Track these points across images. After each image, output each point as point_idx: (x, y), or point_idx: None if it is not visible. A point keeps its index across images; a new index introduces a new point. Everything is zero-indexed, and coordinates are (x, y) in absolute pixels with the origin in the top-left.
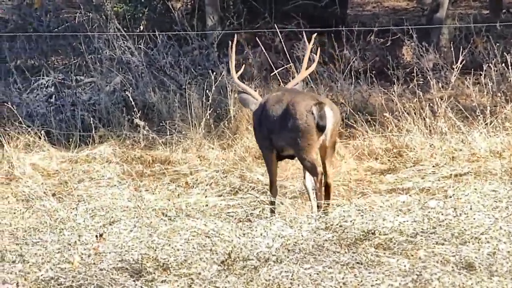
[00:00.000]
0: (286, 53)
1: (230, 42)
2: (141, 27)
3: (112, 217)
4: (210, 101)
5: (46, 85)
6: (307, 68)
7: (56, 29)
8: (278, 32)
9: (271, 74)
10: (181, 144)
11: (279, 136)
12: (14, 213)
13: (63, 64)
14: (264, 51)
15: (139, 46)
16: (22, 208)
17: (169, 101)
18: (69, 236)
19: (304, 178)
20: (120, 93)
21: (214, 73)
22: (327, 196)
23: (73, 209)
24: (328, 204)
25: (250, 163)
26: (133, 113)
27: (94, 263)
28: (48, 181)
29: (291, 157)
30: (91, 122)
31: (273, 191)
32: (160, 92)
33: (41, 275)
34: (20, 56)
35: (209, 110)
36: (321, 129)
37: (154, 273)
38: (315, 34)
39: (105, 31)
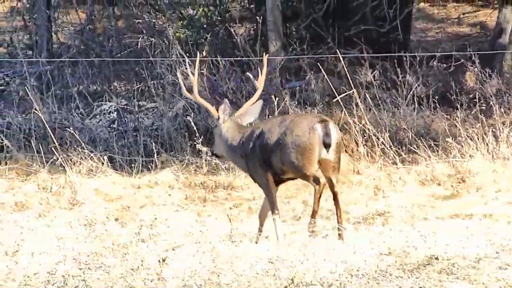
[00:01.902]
0: (349, 78)
1: (193, 65)
2: (204, 53)
3: (175, 242)
4: None
5: (108, 110)
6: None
7: (118, 54)
8: (341, 58)
9: (334, 100)
10: None
11: (279, 156)
12: (77, 237)
13: (126, 90)
14: (326, 76)
15: (202, 71)
16: (85, 233)
17: None
18: (132, 261)
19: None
20: (182, 118)
21: (277, 98)
22: (337, 204)
23: (136, 234)
24: (340, 213)
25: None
26: (195, 138)
27: None
28: (111, 206)
29: (292, 179)
30: (154, 147)
31: (277, 212)
32: None
33: None
34: (82, 81)
35: None
36: (326, 146)
37: None
38: (267, 55)
39: (167, 56)
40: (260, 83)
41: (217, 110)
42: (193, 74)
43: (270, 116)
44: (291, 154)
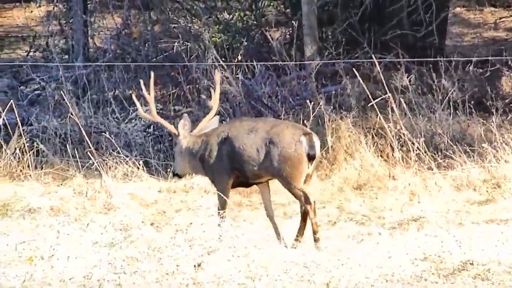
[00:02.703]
0: (384, 83)
1: (145, 80)
2: (239, 57)
3: (210, 246)
4: None
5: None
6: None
7: (154, 59)
8: (376, 62)
9: (369, 105)
10: None
11: (258, 165)
12: (112, 242)
13: (161, 94)
14: (362, 81)
15: (237, 76)
16: (120, 237)
17: None
18: (168, 266)
19: (266, 209)
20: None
21: (312, 103)
22: (305, 219)
23: (171, 238)
24: (304, 226)
25: (348, 193)
26: None
27: None
28: (146, 210)
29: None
30: None
31: (224, 214)
32: None
33: None
34: (118, 86)
35: None
36: (311, 158)
37: None
38: (220, 74)
39: (203, 61)
40: (214, 100)
41: (176, 128)
42: (148, 93)
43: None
44: (279, 165)
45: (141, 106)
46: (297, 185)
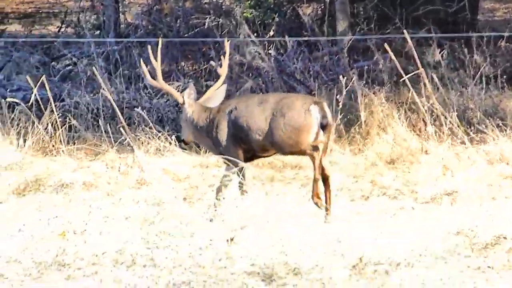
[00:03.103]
0: (416, 58)
1: (152, 47)
2: (271, 33)
3: (243, 221)
4: (340, 106)
5: (176, 90)
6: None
7: (186, 35)
8: (408, 38)
9: (401, 80)
10: None
11: (265, 137)
12: (145, 217)
13: (193, 70)
14: (393, 57)
15: (269, 51)
16: (153, 212)
17: None
18: (200, 240)
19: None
20: None
21: (345, 78)
22: (328, 187)
23: (204, 213)
24: (330, 195)
25: (381, 168)
26: None
27: (225, 267)
28: (179, 185)
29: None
30: None
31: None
32: None
33: (172, 279)
34: (150, 61)
35: (340, 115)
36: (324, 127)
37: (285, 277)
38: (229, 41)
39: (235, 36)
40: (223, 69)
41: (182, 96)
42: (155, 59)
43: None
44: (284, 135)
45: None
46: (304, 146)
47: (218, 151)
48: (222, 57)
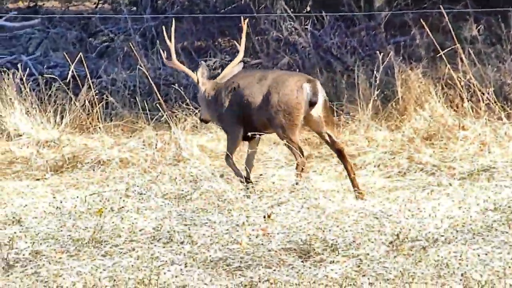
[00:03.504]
0: (453, 33)
1: (168, 28)
2: (308, 8)
3: (280, 198)
4: (377, 82)
5: (213, 66)
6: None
7: (222, 10)
8: (445, 13)
9: (438, 55)
10: (349, 125)
11: (263, 112)
12: (182, 194)
13: (230, 46)
14: (430, 32)
15: (306, 27)
16: (190, 189)
17: (336, 82)
18: (237, 217)
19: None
20: None
21: (382, 53)
22: (344, 159)
23: (241, 190)
24: (350, 167)
25: (418, 144)
26: None
27: (262, 244)
28: (216, 162)
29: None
30: None
31: (229, 162)
32: (327, 73)
33: (210, 256)
34: (187, 37)
35: (377, 91)
36: (313, 103)
37: (322, 253)
38: (247, 19)
39: (272, 12)
40: (241, 47)
41: (196, 75)
42: (169, 39)
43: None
44: (278, 112)
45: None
46: (293, 135)
47: (222, 125)
48: (240, 36)
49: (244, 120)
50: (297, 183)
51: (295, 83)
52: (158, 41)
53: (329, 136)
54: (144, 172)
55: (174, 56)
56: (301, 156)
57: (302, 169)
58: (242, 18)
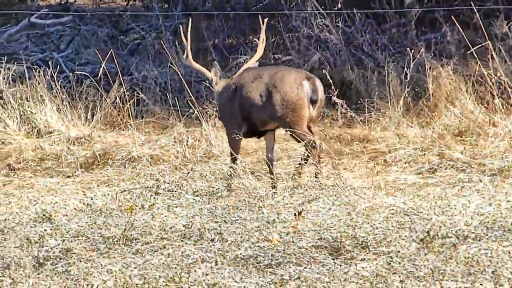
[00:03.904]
0: (484, 30)
1: (184, 27)
2: (339, 5)
3: (311, 195)
4: (408, 78)
5: (244, 63)
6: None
7: (254, 8)
8: (475, 10)
9: (468, 52)
10: (380, 122)
11: (263, 111)
12: (213, 191)
13: None
14: (461, 29)
15: (337, 24)
16: (221, 186)
17: (367, 79)
18: (268, 214)
19: (267, 151)
20: (317, 72)
21: (412, 50)
22: (314, 150)
23: (272, 187)
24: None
25: (449, 140)
26: (331, 91)
27: (293, 241)
28: (247, 159)
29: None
30: None
31: (235, 163)
32: (358, 70)
33: (240, 254)
34: (218, 35)
35: (408, 88)
36: (313, 102)
37: (353, 251)
38: (266, 18)
39: (303, 9)
40: (259, 46)
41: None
42: (186, 38)
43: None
44: (280, 110)
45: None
46: (301, 129)
47: (224, 122)
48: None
49: (243, 118)
50: (317, 174)
51: (294, 80)
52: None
53: (309, 129)
54: (175, 169)
55: (190, 55)
56: (314, 143)
57: (319, 156)
58: (260, 16)
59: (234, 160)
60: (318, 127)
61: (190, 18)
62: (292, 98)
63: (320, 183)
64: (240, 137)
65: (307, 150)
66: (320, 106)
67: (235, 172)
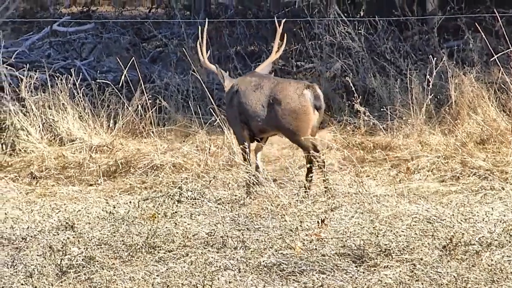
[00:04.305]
0: (506, 38)
1: (202, 28)
2: (362, 12)
3: (334, 203)
4: (430, 86)
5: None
6: (276, 52)
7: (276, 15)
8: (498, 17)
9: (491, 60)
10: (402, 129)
11: (263, 121)
12: (236, 199)
13: (283, 50)
14: (484, 36)
15: (360, 31)
16: (243, 194)
17: (390, 86)
18: (291, 222)
19: (256, 158)
20: (340, 79)
21: (435, 58)
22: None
23: (295, 195)
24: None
25: (471, 148)
26: (353, 98)
27: (316, 249)
28: (269, 167)
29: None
30: None
31: (247, 163)
32: (381, 78)
33: (263, 261)
34: (240, 42)
35: (430, 95)
36: (318, 109)
37: (376, 258)
38: (284, 20)
39: (325, 16)
40: (274, 49)
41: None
42: (201, 41)
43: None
44: (285, 120)
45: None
46: (305, 136)
47: (229, 124)
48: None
49: (242, 121)
50: (308, 179)
51: (294, 91)
52: (211, 46)
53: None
54: (197, 177)
55: (205, 57)
56: (317, 150)
57: (323, 165)
58: (276, 20)
59: (245, 160)
60: (340, 135)
61: (206, 22)
62: (294, 108)
63: (328, 188)
64: (245, 139)
65: (306, 159)
66: (321, 115)
67: (257, 179)
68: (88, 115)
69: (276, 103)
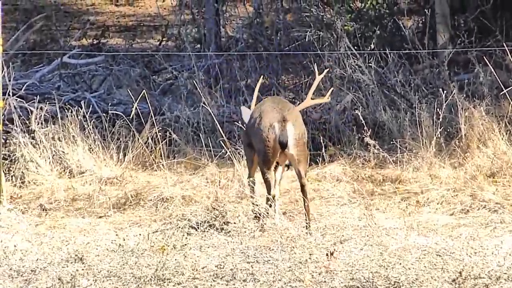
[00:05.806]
0: None
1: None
2: (372, 46)
3: (343, 235)
4: (440, 119)
5: None
6: (312, 98)
7: (286, 48)
8: (508, 51)
9: (501, 93)
10: (412, 162)
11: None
12: (245, 231)
13: (293, 83)
14: (493, 69)
15: (370, 64)
16: (253, 226)
17: (400, 119)
18: (300, 255)
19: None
20: (350, 112)
21: (445, 91)
22: (304, 195)
23: (304, 227)
24: (307, 204)
25: (481, 181)
26: (363, 131)
27: (325, 281)
28: (279, 199)
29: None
30: (321, 140)
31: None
32: (391, 111)
33: None
34: (251, 75)
35: (440, 128)
36: (282, 146)
37: None
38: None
39: (335, 49)
40: (312, 88)
41: None
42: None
43: None
44: (257, 144)
45: None
46: (266, 170)
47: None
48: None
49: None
50: (255, 216)
51: (268, 121)
52: (221, 78)
53: (299, 171)
54: (207, 210)
55: (253, 104)
56: (269, 191)
57: (271, 202)
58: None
59: (249, 180)
60: (350, 168)
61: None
62: (262, 138)
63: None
64: (253, 158)
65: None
66: (297, 146)
67: (267, 212)
68: (98, 147)
69: (256, 127)
